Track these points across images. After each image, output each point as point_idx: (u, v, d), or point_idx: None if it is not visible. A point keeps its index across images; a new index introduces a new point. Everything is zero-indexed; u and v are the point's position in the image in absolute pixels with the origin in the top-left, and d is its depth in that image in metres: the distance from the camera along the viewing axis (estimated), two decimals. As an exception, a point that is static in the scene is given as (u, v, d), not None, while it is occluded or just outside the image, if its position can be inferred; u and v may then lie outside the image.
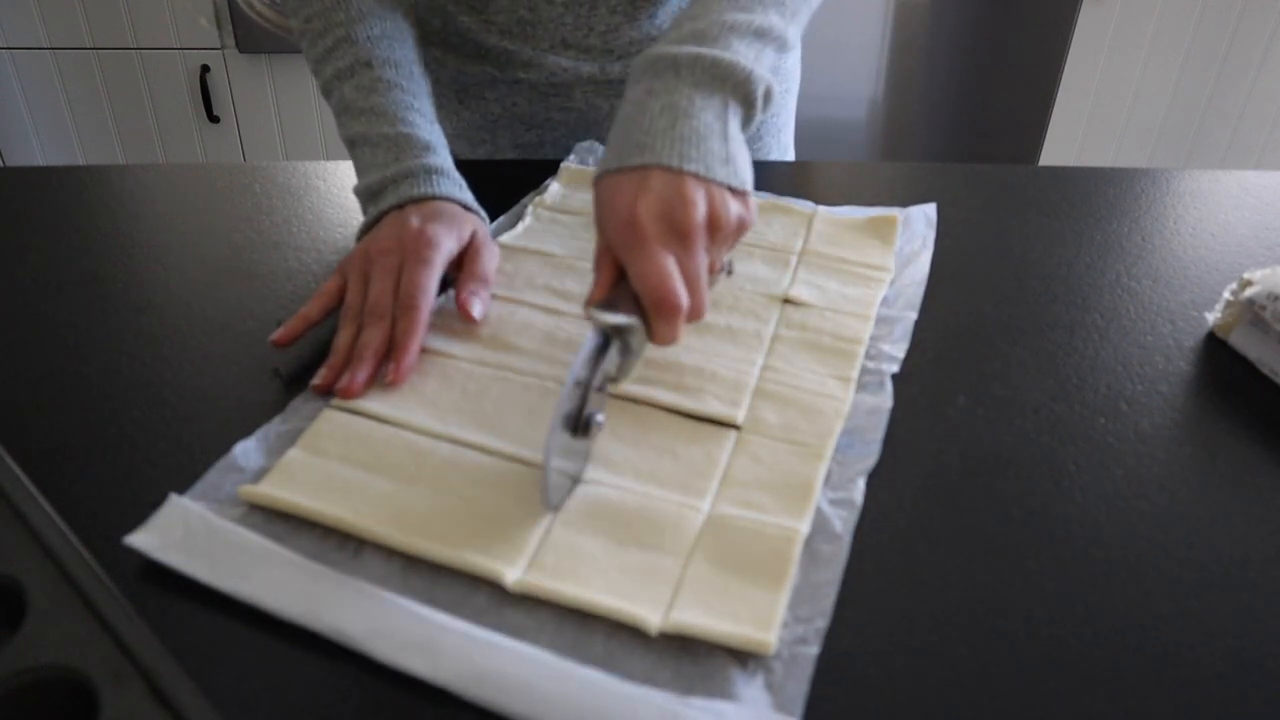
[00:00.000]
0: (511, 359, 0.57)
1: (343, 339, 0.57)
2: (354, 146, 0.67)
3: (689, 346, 0.59)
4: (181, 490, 0.47)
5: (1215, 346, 0.62)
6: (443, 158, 0.66)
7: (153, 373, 0.57)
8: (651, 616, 0.41)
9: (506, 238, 0.70)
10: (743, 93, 0.54)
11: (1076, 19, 1.89)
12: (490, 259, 0.62)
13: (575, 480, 0.49)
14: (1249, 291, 0.60)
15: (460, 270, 0.62)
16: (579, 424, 0.47)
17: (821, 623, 0.42)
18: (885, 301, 0.65)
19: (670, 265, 0.49)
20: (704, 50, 0.54)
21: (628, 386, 0.55)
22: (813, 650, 0.40)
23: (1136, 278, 0.69)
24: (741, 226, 0.53)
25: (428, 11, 0.82)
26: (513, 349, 0.58)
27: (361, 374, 0.54)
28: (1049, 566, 0.46)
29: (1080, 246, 0.73)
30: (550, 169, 0.80)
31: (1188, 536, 0.47)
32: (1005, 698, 0.39)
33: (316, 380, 0.55)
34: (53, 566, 0.38)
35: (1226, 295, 0.62)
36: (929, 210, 0.76)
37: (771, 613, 0.42)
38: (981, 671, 0.40)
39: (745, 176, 0.53)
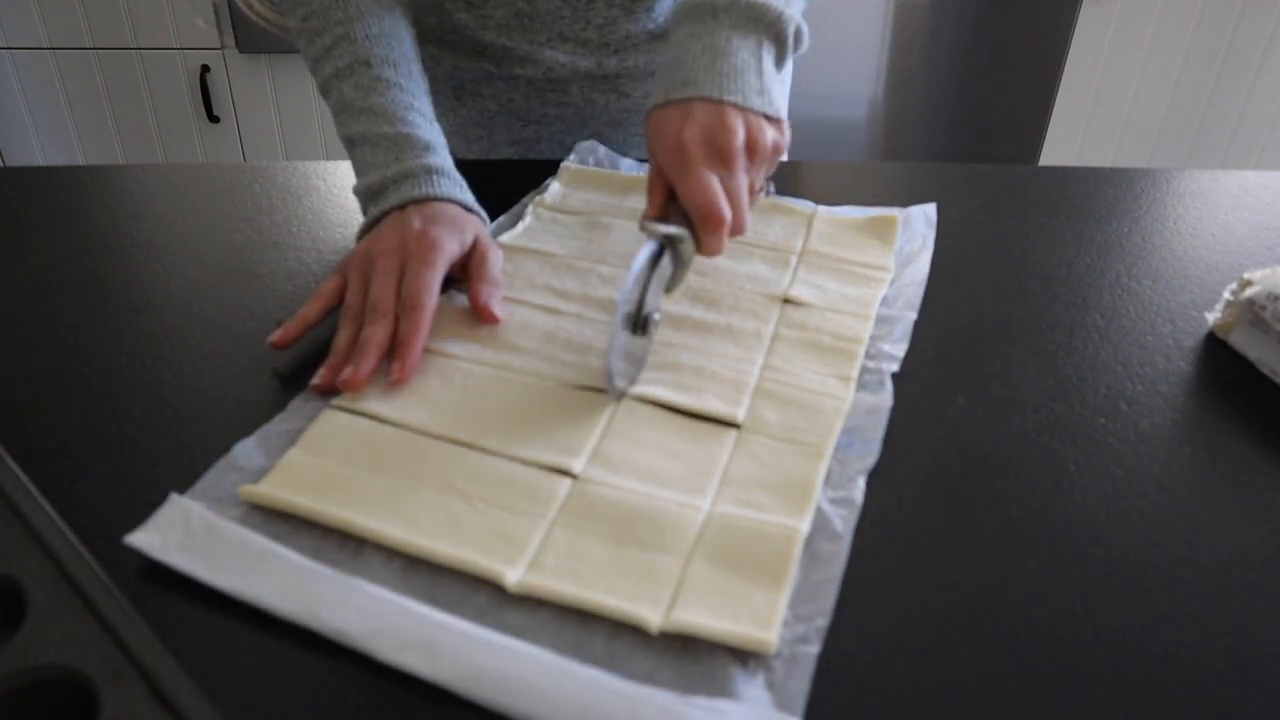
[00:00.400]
0: (511, 359, 0.57)
1: (343, 338, 0.57)
2: (353, 146, 0.66)
3: (688, 345, 0.59)
4: (182, 490, 0.47)
5: (1215, 346, 0.62)
6: (443, 157, 0.66)
7: (153, 373, 0.57)
8: (652, 616, 0.41)
9: (506, 237, 0.70)
10: (775, 32, 0.60)
11: (1076, 19, 1.89)
12: (496, 261, 0.63)
13: (635, 375, 0.56)
14: (1249, 291, 0.60)
15: (469, 274, 0.62)
16: (638, 322, 0.54)
17: (822, 621, 0.42)
18: (885, 301, 0.65)
19: (714, 183, 0.55)
20: None
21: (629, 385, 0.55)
22: (813, 649, 0.40)
23: (1136, 278, 0.69)
24: (777, 149, 0.60)
25: (423, 10, 0.82)
26: (512, 349, 0.58)
27: (365, 366, 0.54)
28: (1049, 566, 0.46)
29: (1080, 246, 0.73)
30: (550, 169, 0.80)
31: (1188, 536, 0.47)
32: (1005, 698, 0.39)
33: (316, 380, 0.55)
34: (53, 566, 0.38)
35: (1226, 295, 0.62)
36: (929, 210, 0.76)
37: (772, 612, 0.42)
38: (981, 671, 0.40)
39: (779, 105, 0.60)
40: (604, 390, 0.55)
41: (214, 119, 1.96)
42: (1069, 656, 0.41)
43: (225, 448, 0.50)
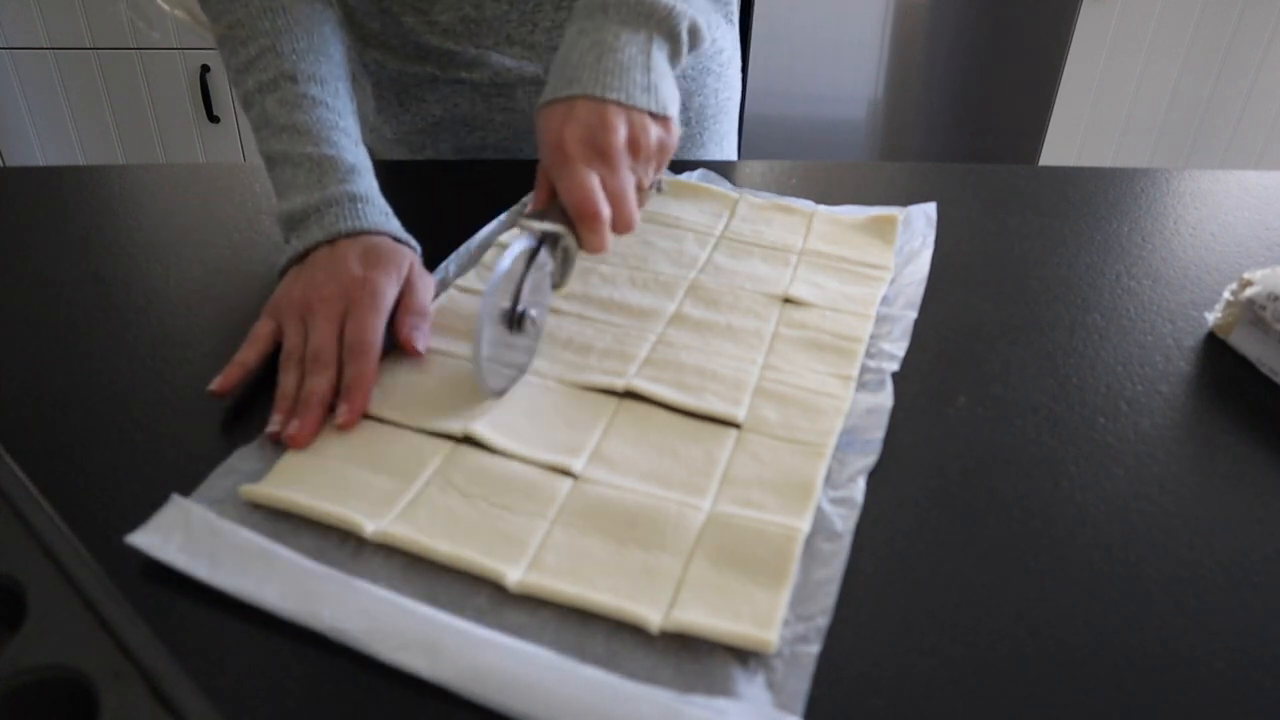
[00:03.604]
0: (512, 359, 0.57)
1: (287, 384, 0.54)
2: (273, 164, 0.64)
3: (688, 345, 0.59)
4: (182, 490, 0.47)
5: (1215, 346, 0.62)
6: (367, 182, 0.63)
7: (153, 373, 0.57)
8: (653, 615, 0.41)
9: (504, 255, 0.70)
10: (666, 27, 0.61)
11: (1076, 19, 1.89)
12: (425, 291, 0.60)
13: (520, 371, 0.56)
14: (1249, 291, 0.60)
15: (398, 307, 0.59)
16: (513, 319, 0.53)
17: (823, 621, 0.42)
18: (885, 300, 0.65)
19: (592, 180, 0.55)
20: None
21: (632, 381, 0.55)
22: (814, 648, 0.40)
23: (1136, 278, 0.69)
24: (663, 148, 0.60)
25: (366, 15, 0.80)
26: (513, 349, 0.58)
27: (311, 421, 0.51)
28: (1049, 566, 0.46)
29: (1080, 246, 0.73)
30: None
31: (1188, 536, 0.47)
32: (1005, 698, 0.39)
33: (271, 428, 0.52)
34: (53, 566, 0.38)
35: (1226, 295, 0.62)
36: (929, 209, 0.76)
37: (773, 611, 0.42)
38: (981, 671, 0.40)
39: (666, 102, 0.59)
40: (605, 390, 0.55)
41: (214, 119, 1.96)
42: (1069, 656, 0.41)
43: (225, 448, 0.50)
